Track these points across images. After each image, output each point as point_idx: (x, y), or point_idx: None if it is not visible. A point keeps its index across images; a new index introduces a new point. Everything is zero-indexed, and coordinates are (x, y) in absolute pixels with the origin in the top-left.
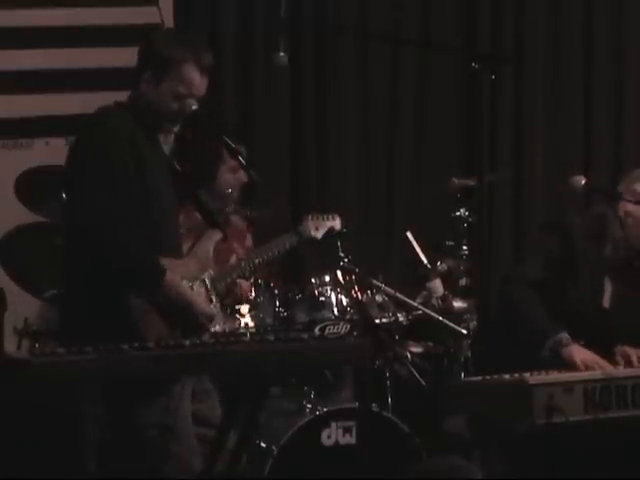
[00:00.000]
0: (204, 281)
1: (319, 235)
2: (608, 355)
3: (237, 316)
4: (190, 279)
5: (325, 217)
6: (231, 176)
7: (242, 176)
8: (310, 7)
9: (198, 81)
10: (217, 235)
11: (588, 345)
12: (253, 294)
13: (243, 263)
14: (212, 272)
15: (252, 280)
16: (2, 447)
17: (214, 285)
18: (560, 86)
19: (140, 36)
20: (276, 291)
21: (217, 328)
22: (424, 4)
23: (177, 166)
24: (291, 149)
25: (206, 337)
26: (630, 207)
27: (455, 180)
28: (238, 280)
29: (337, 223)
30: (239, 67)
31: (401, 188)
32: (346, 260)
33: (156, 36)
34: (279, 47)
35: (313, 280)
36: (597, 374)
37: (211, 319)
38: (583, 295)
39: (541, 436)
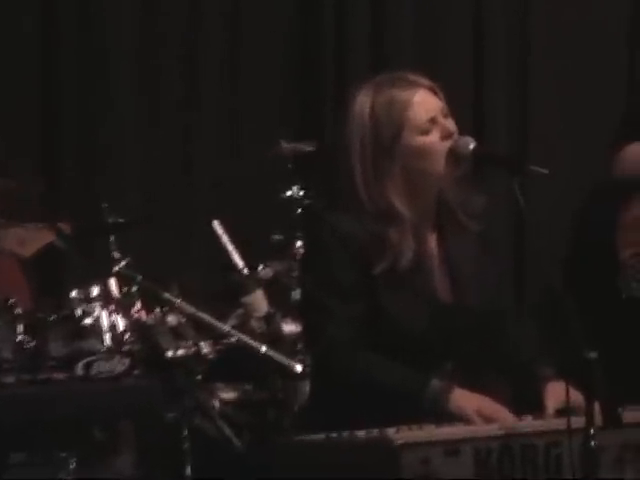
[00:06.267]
0: None
1: (26, 253)
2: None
3: None
4: None
5: (40, 228)
6: None
7: None
8: None
9: None
10: None
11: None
12: None
13: None
14: None
15: None
16: None
17: None
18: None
19: None
20: (19, 310)
21: None
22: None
23: None
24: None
25: None
26: None
27: (284, 144)
28: None
29: (53, 236)
30: None
31: (202, 165)
32: (123, 263)
33: None
34: None
35: (74, 294)
36: (493, 429)
37: None
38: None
39: None
